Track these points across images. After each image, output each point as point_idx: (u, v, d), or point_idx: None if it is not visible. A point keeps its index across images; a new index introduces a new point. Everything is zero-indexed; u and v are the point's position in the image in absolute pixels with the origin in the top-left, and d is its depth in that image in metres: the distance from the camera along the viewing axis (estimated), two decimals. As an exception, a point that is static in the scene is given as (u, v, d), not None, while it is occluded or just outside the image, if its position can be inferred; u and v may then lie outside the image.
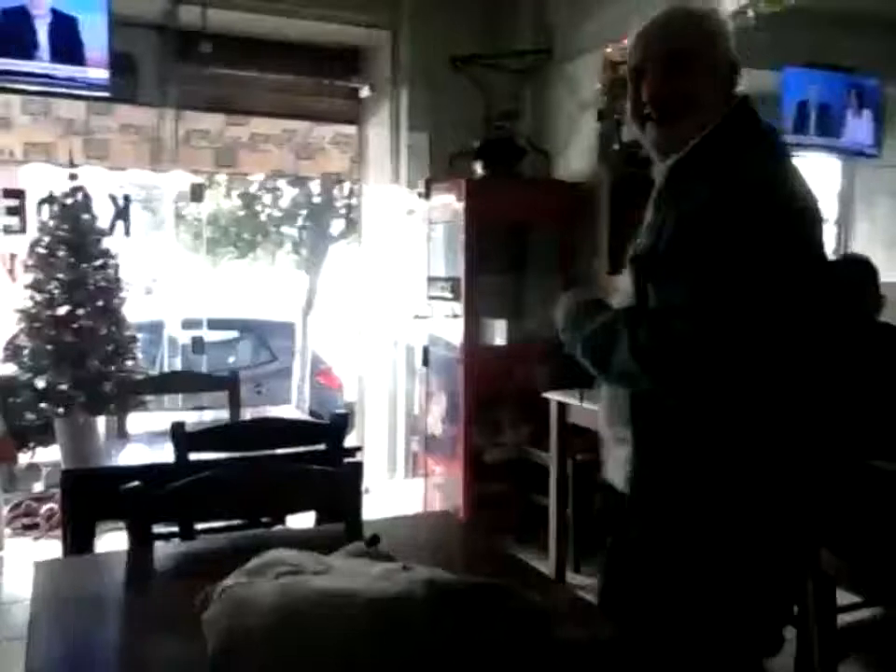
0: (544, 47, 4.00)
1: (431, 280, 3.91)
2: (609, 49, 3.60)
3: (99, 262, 2.60)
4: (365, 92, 4.54)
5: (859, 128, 4.72)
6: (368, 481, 4.66)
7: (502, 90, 4.05)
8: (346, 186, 6.44)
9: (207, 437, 1.95)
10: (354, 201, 5.56)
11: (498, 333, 3.76)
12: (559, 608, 1.08)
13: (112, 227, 4.24)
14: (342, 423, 2.04)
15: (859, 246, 4.84)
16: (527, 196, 3.79)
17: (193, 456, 1.94)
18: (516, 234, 3.91)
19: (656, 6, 3.44)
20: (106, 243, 2.69)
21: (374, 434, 4.69)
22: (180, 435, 1.88)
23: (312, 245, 7.53)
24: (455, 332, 3.74)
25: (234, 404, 2.84)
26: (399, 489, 4.39)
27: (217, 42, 4.12)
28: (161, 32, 4.16)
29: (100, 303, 2.56)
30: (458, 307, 3.69)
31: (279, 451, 2.07)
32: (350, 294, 5.16)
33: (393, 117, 4.41)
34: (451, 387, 3.81)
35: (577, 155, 3.82)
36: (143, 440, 2.61)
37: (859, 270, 2.40)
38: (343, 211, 7.12)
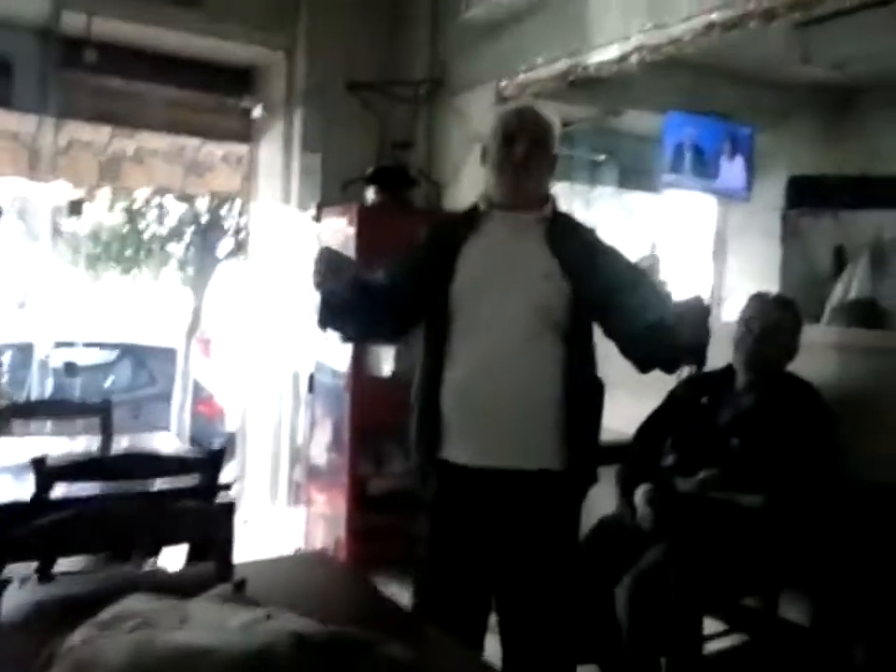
0: (437, 78, 4.05)
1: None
2: (502, 84, 3.68)
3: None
4: (257, 112, 4.47)
5: (732, 172, 5.00)
6: (248, 510, 4.54)
7: (396, 117, 4.06)
8: (236, 204, 6.31)
9: (73, 470, 1.85)
10: (243, 220, 5.45)
11: (386, 362, 3.74)
12: (428, 656, 1.06)
13: (-22, 240, 4.00)
14: (217, 457, 1.97)
15: (730, 282, 5.11)
16: (418, 225, 3.79)
17: (60, 489, 1.84)
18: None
19: (542, 48, 3.55)
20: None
21: (257, 462, 4.57)
22: (41, 471, 1.76)
23: (198, 265, 7.33)
24: (342, 360, 3.70)
25: (106, 432, 2.71)
26: (279, 519, 4.29)
27: (104, 51, 3.96)
28: (43, 36, 3.97)
29: (-41, 323, 2.39)
30: (346, 334, 3.65)
31: (152, 484, 1.98)
32: (236, 316, 5.04)
33: (286, 137, 4.35)
34: (336, 416, 3.76)
35: (467, 186, 3.87)
36: (5, 470, 2.44)
37: (788, 311, 2.45)
38: (231, 230, 6.97)
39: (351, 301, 1.89)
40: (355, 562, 3.64)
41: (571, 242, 1.90)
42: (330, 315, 1.94)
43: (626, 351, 1.89)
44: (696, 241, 5.20)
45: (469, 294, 1.87)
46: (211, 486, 1.94)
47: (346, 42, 4.08)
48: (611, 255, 1.96)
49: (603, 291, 1.85)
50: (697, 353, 1.82)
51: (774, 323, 2.38)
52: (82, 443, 2.76)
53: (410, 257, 2.02)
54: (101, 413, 2.77)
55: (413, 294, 1.95)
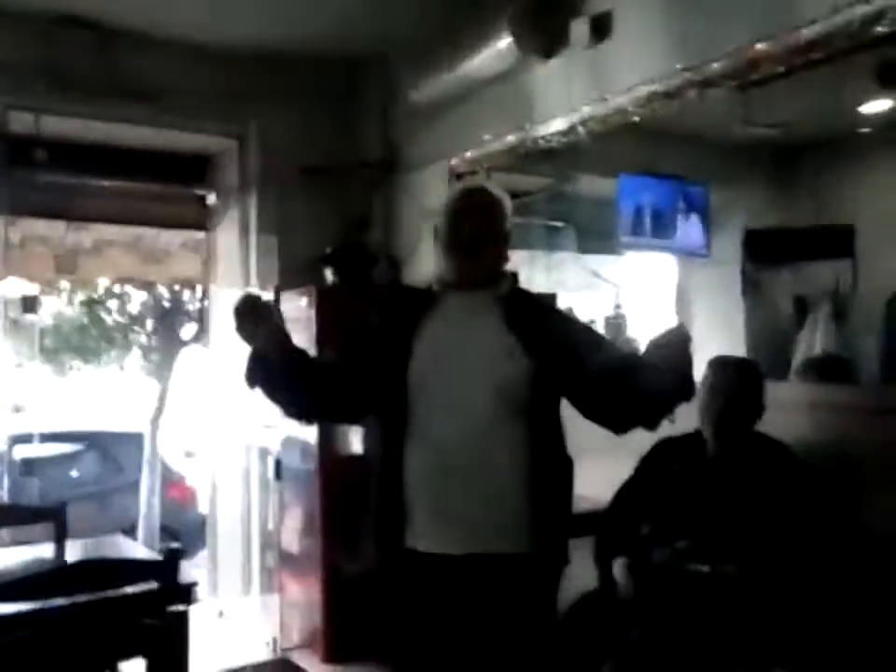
0: (389, 158, 4.10)
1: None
2: (453, 161, 3.72)
3: None
4: (212, 199, 4.48)
5: (689, 230, 5.05)
6: (221, 602, 4.39)
7: (351, 198, 4.09)
8: (198, 289, 6.29)
9: (17, 588, 1.75)
10: (205, 304, 5.41)
11: (356, 440, 3.67)
12: None
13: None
14: (173, 558, 1.89)
15: (697, 339, 5.12)
16: (379, 303, 3.77)
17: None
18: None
19: (490, 123, 3.60)
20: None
21: (228, 548, 4.44)
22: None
23: (162, 351, 7.26)
24: (309, 440, 3.63)
25: (60, 539, 2.59)
26: (254, 609, 4.15)
27: (54, 148, 3.96)
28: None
29: None
30: (312, 415, 3.58)
31: (104, 593, 1.88)
32: (202, 400, 4.96)
33: (242, 223, 4.36)
34: (306, 499, 3.66)
35: (425, 263, 3.88)
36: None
37: (749, 373, 2.42)
38: (194, 315, 6.93)
39: (284, 366, 1.84)
40: (332, 653, 3.51)
41: (529, 317, 1.87)
42: (260, 375, 1.87)
43: (600, 418, 1.84)
44: (660, 300, 5.24)
45: (426, 377, 1.83)
46: (168, 591, 1.85)
47: (298, 127, 4.12)
48: (570, 325, 1.95)
49: (565, 363, 1.82)
50: (685, 386, 1.76)
51: (735, 386, 2.36)
52: (37, 552, 2.61)
53: (362, 340, 1.98)
54: (54, 518, 2.64)
55: (367, 379, 1.90)
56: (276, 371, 1.85)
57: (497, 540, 1.78)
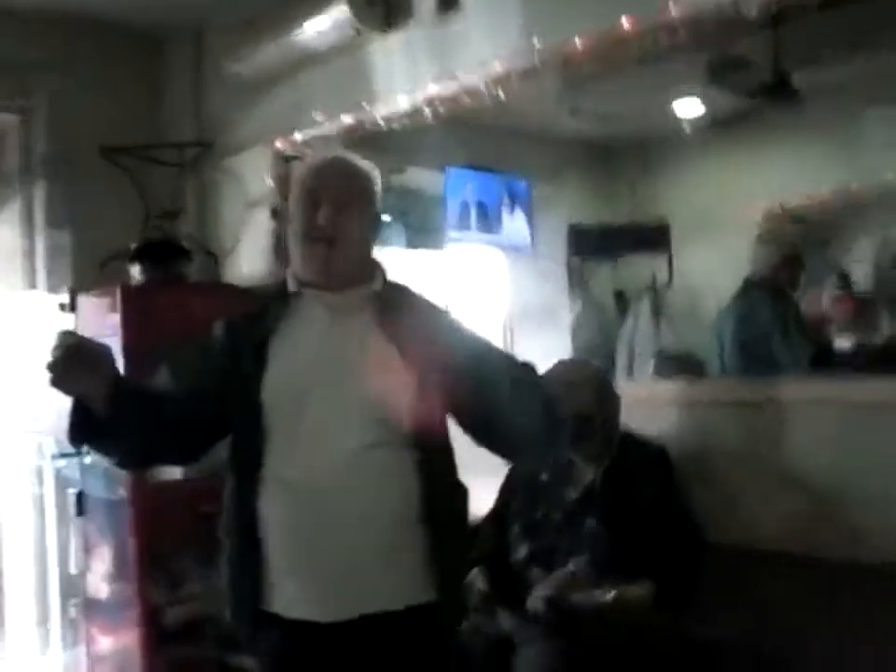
0: (205, 139, 3.70)
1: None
2: (278, 144, 3.38)
3: None
4: (-14, 185, 3.85)
5: (514, 226, 5.03)
6: (12, 664, 3.75)
7: (162, 185, 3.65)
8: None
9: None
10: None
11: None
12: None
13: None
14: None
15: (526, 329, 5.09)
16: (196, 303, 3.32)
17: None
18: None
19: (317, 102, 3.29)
20: None
21: (18, 600, 3.82)
22: None
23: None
24: (117, 469, 3.14)
25: None
26: (54, 669, 3.57)
27: None
28: None
29: None
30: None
31: None
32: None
33: (25, 214, 3.78)
34: (116, 536, 3.15)
35: (249, 256, 3.51)
36: None
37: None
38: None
39: (116, 415, 1.41)
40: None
41: (409, 320, 1.53)
42: (86, 432, 1.45)
43: (491, 443, 1.56)
44: (490, 294, 5.16)
45: (286, 400, 1.47)
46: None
47: (98, 103, 3.63)
48: (457, 331, 1.60)
49: (454, 376, 1.49)
50: (556, 434, 1.59)
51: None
52: None
53: (201, 360, 1.58)
54: None
55: (210, 408, 1.52)
56: (107, 422, 1.42)
57: (388, 595, 1.45)
